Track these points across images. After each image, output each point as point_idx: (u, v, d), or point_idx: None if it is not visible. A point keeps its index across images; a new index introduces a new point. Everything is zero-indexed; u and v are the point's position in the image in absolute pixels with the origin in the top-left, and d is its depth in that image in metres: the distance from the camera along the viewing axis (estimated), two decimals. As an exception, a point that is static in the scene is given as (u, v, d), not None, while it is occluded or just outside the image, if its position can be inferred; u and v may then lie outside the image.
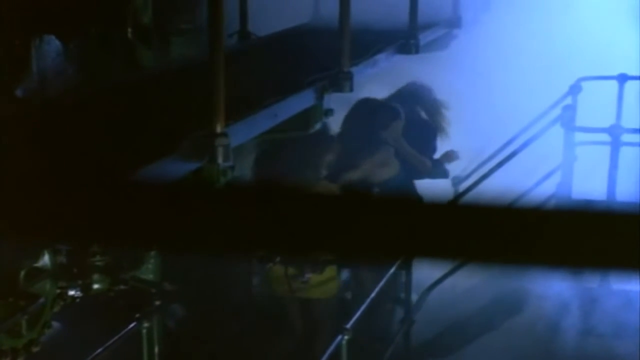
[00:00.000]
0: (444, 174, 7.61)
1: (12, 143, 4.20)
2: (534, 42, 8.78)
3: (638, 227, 1.15)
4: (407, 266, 6.60)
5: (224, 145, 4.18)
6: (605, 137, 7.79)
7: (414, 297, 7.07)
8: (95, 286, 4.39)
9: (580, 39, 9.08)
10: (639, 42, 9.96)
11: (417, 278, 7.02)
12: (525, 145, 7.52)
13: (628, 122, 8.03)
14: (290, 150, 6.63)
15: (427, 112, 7.86)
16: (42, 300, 3.95)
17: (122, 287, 4.57)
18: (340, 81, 5.75)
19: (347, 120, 7.31)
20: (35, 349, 3.96)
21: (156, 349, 5.55)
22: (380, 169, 7.27)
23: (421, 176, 7.46)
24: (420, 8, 7.19)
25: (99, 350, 5.00)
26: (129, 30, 6.56)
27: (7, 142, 4.21)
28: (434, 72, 8.18)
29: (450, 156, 7.62)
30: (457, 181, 8.12)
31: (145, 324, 5.34)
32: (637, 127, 8.23)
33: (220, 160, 4.20)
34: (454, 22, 8.40)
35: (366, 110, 7.31)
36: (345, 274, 7.25)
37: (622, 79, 8.15)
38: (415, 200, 1.19)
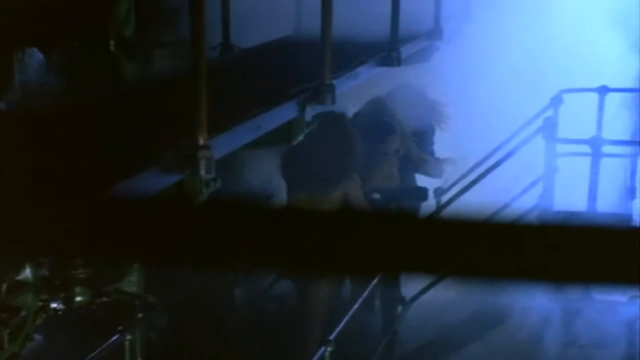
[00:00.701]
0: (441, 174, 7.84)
1: (-6, 156, 4.20)
2: (516, 54, 8.83)
3: (619, 241, 1.16)
4: (392, 278, 6.61)
5: (206, 157, 4.19)
6: (586, 148, 7.83)
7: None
8: (78, 299, 4.39)
9: (562, 50, 9.15)
10: (620, 53, 10.04)
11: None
12: (507, 156, 7.56)
13: (609, 133, 8.08)
14: (318, 149, 6.79)
15: (423, 111, 8.02)
16: (23, 313, 3.94)
17: (104, 299, 4.57)
18: (322, 93, 5.77)
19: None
20: (17, 362, 3.96)
21: (139, 362, 5.55)
22: (382, 181, 7.39)
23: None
24: (401, 20, 7.22)
25: (81, 363, 4.99)
26: (112, 42, 6.57)
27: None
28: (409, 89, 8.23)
29: (448, 162, 7.86)
30: (439, 192, 8.14)
31: (128, 336, 5.34)
32: (618, 138, 8.29)
33: (203, 172, 4.21)
34: (435, 34, 8.43)
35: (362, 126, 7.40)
36: None
37: (603, 91, 8.20)
38: (395, 215, 1.20)
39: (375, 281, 6.47)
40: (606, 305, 7.26)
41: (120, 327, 5.32)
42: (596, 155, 7.75)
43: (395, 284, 6.86)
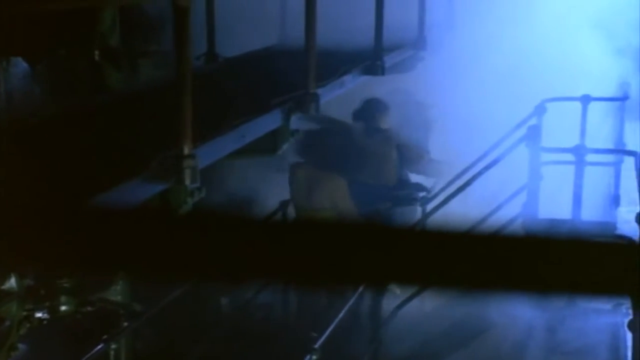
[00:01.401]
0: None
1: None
2: (499, 63, 8.86)
3: (602, 252, 1.17)
4: (377, 288, 6.62)
5: (191, 166, 4.20)
6: (570, 156, 7.86)
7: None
8: (62, 308, 4.39)
9: (545, 58, 9.19)
10: (603, 61, 10.09)
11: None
12: (491, 165, 7.58)
13: (592, 142, 8.11)
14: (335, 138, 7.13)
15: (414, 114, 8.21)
16: (8, 322, 3.93)
17: (89, 308, 4.56)
18: (307, 102, 5.79)
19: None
20: (2, 372, 3.95)
21: (124, 371, 5.54)
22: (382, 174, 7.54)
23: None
24: (386, 30, 7.26)
25: (66, 373, 4.99)
26: (97, 52, 6.58)
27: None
28: (400, 93, 8.28)
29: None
30: (424, 201, 8.16)
31: (113, 346, 5.33)
32: (601, 147, 8.33)
33: (187, 181, 4.22)
34: (419, 44, 8.47)
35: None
36: None
37: (586, 100, 8.24)
38: (378, 226, 1.20)
39: (360, 290, 6.48)
40: (590, 312, 7.29)
41: (105, 337, 5.32)
42: (580, 164, 7.78)
43: (381, 294, 6.88)
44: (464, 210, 7.73)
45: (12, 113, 5.82)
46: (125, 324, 5.51)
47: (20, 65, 6.15)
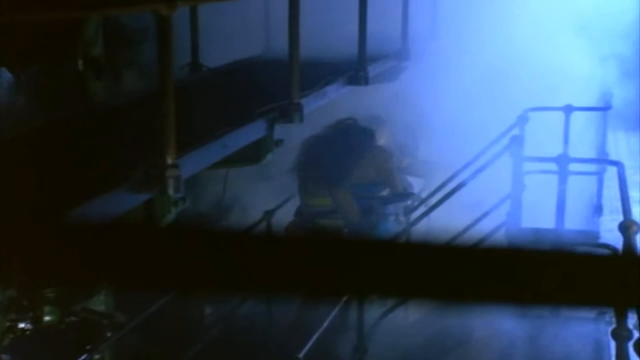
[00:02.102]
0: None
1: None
2: (482, 72, 8.90)
3: (584, 263, 1.18)
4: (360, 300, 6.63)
5: (174, 176, 4.20)
6: (553, 166, 7.89)
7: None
8: (46, 318, 4.38)
9: (528, 67, 9.24)
10: (587, 70, 10.15)
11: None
12: (474, 174, 7.60)
13: (575, 151, 8.15)
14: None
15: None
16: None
17: (73, 318, 4.56)
18: (290, 112, 5.81)
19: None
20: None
21: (107, 381, 5.53)
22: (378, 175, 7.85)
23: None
24: (369, 40, 7.29)
25: (49, 383, 4.98)
26: (80, 62, 6.57)
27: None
28: (383, 102, 8.31)
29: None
30: (407, 210, 8.17)
31: (97, 356, 5.32)
32: (584, 156, 8.36)
33: (171, 191, 4.22)
34: (402, 54, 8.50)
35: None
36: None
37: (568, 109, 8.28)
38: (360, 239, 1.21)
39: (344, 300, 6.48)
40: (573, 321, 7.30)
41: (89, 347, 5.31)
42: (563, 173, 7.80)
43: (364, 304, 6.88)
44: (448, 219, 7.75)
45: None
46: (109, 334, 5.51)
47: (3, 75, 6.14)
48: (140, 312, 6.37)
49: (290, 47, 5.82)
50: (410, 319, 7.66)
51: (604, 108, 9.18)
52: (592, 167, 8.83)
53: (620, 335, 4.73)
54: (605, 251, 6.47)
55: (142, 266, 1.22)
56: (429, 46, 9.04)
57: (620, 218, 5.65)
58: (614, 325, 4.89)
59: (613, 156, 9.47)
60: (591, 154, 9.32)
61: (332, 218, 7.65)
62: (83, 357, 5.26)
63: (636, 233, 5.09)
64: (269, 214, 7.82)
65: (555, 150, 8.03)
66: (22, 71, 6.43)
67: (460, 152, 8.21)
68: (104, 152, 4.92)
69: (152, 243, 1.23)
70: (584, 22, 10.34)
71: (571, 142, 8.34)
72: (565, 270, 1.17)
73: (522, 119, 7.88)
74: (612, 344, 5.00)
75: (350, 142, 7.37)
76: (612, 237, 7.01)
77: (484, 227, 7.22)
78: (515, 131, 7.82)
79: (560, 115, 8.32)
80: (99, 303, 5.54)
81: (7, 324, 4.14)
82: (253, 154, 5.74)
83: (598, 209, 9.01)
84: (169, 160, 4.19)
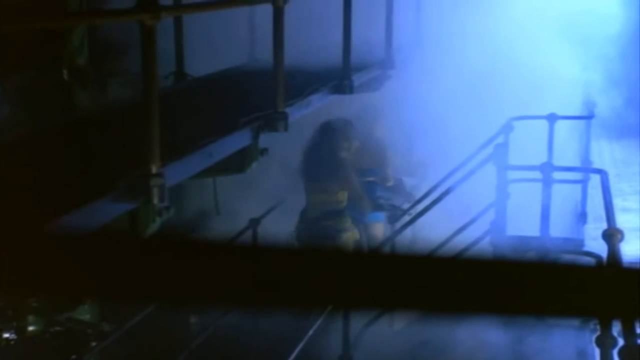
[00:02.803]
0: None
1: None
2: (466, 81, 8.93)
3: (568, 273, 1.19)
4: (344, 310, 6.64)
5: (159, 185, 4.20)
6: (537, 174, 7.91)
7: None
8: (31, 328, 4.38)
9: (513, 75, 9.28)
10: (571, 77, 10.20)
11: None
12: (459, 182, 7.62)
13: (559, 159, 8.18)
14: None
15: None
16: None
17: (57, 328, 4.55)
18: (275, 121, 5.82)
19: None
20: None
21: (92, 391, 5.52)
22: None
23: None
24: (354, 50, 7.31)
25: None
26: (65, 71, 6.57)
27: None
28: (369, 111, 8.35)
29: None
30: (393, 218, 8.20)
31: (82, 365, 5.32)
32: (568, 164, 8.40)
33: (155, 200, 4.22)
34: (387, 63, 8.52)
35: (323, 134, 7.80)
36: None
37: (552, 118, 8.31)
38: (344, 251, 1.22)
39: (328, 311, 6.48)
40: (558, 328, 7.32)
41: (74, 357, 5.31)
42: (547, 182, 7.83)
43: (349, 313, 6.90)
44: (433, 228, 7.76)
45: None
46: (94, 343, 5.50)
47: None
48: (125, 320, 6.36)
49: (274, 56, 5.83)
50: (396, 328, 7.67)
51: (587, 117, 9.23)
52: (576, 176, 8.86)
53: (605, 342, 4.74)
54: (590, 259, 6.50)
55: (126, 277, 1.21)
56: (414, 55, 9.06)
57: (605, 226, 5.67)
58: (598, 333, 4.90)
59: (597, 164, 9.51)
60: (575, 162, 9.36)
61: (338, 218, 7.99)
62: (68, 366, 5.26)
63: (620, 241, 5.11)
64: (254, 221, 7.83)
65: (540, 158, 8.06)
66: (7, 80, 6.42)
67: (442, 165, 8.25)
68: (88, 162, 4.92)
69: (136, 254, 1.23)
70: (569, 29, 10.39)
71: (555, 150, 8.38)
72: (549, 281, 1.17)
73: (506, 128, 7.91)
74: (597, 352, 5.01)
75: (336, 136, 7.71)
76: (596, 244, 7.04)
77: (469, 235, 7.24)
78: (500, 139, 7.84)
79: (544, 124, 8.36)
80: (84, 313, 5.53)
81: (-9, 333, 4.13)
82: (238, 162, 5.74)
83: (582, 217, 9.05)
84: (154, 169, 4.19)
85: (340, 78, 7.26)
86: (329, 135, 7.67)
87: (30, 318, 4.38)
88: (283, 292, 1.17)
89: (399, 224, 8.16)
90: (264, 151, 5.89)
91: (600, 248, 5.62)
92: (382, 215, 8.54)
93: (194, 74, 7.77)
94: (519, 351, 7.33)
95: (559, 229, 8.33)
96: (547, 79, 9.67)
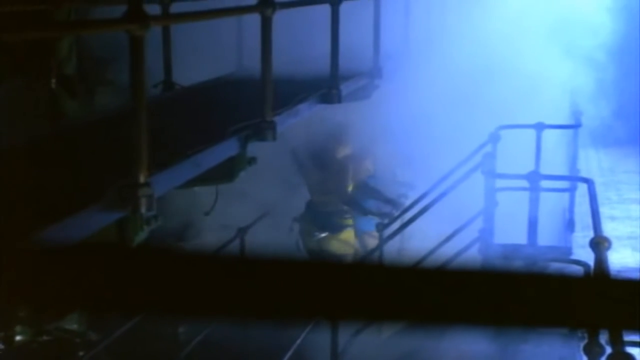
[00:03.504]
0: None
1: None
2: (454, 89, 8.96)
3: (555, 284, 1.19)
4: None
5: (147, 195, 4.20)
6: (525, 183, 7.93)
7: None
8: (18, 337, 4.36)
9: (501, 85, 9.31)
10: (560, 85, 10.24)
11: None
12: (447, 191, 7.64)
13: (547, 168, 8.20)
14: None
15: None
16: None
17: (45, 337, 4.54)
18: (264, 130, 5.82)
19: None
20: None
21: (80, 400, 5.51)
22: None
23: None
24: (342, 59, 7.32)
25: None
26: (53, 80, 6.57)
27: None
28: (357, 120, 8.37)
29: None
30: (381, 227, 8.20)
31: (70, 375, 5.31)
32: (555, 173, 8.42)
33: (143, 210, 4.21)
34: (375, 73, 8.54)
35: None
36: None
37: (540, 127, 8.34)
38: (330, 261, 1.22)
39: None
40: (545, 337, 7.33)
41: (61, 366, 5.29)
42: (534, 190, 7.85)
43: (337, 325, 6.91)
44: (421, 236, 7.78)
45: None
46: (81, 353, 5.49)
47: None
48: (113, 329, 6.35)
49: (262, 65, 5.84)
50: (384, 337, 7.67)
51: (574, 126, 9.26)
52: (564, 184, 8.89)
53: (592, 351, 4.75)
54: (578, 267, 6.52)
55: (112, 289, 1.21)
56: (401, 64, 9.08)
57: (592, 234, 5.69)
58: (585, 341, 4.91)
59: (584, 173, 9.54)
60: (563, 170, 9.39)
61: (342, 214, 8.79)
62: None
63: (607, 249, 5.13)
64: (242, 231, 7.83)
65: (528, 166, 8.08)
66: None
67: (430, 174, 8.28)
68: (76, 171, 4.91)
69: (122, 265, 1.23)
70: (558, 38, 10.43)
71: (543, 159, 8.40)
72: (537, 291, 1.17)
73: (494, 136, 7.94)
74: (584, 360, 5.02)
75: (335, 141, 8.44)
76: (584, 252, 7.06)
77: (458, 243, 7.25)
78: (488, 148, 7.86)
79: (532, 133, 8.39)
80: (72, 322, 5.52)
81: (-21, 343, 4.12)
82: (226, 172, 5.74)
83: (570, 225, 9.07)
84: (142, 179, 4.19)
85: (328, 87, 7.27)
86: (329, 141, 7.93)
87: (18, 328, 4.36)
88: (270, 303, 1.17)
89: (387, 232, 8.17)
90: (253, 160, 5.89)
91: (588, 256, 5.63)
92: (372, 224, 8.63)
93: (183, 83, 7.78)
94: (506, 356, 7.33)
95: (546, 237, 8.35)
96: (535, 86, 9.70)
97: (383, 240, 7.87)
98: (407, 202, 8.51)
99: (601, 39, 11.23)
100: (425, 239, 7.60)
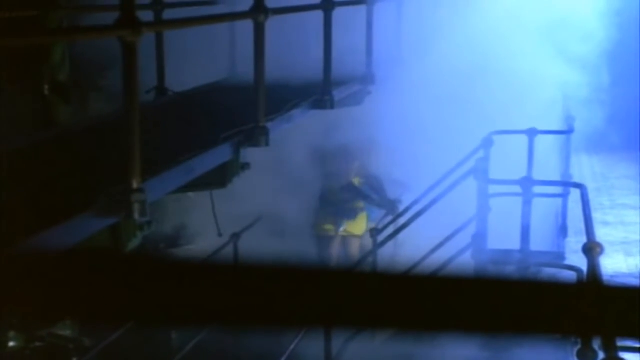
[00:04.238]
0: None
1: None
2: (447, 97, 8.97)
3: (547, 291, 1.19)
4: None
5: (140, 200, 4.20)
6: (518, 188, 7.94)
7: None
8: (11, 344, 4.35)
9: (494, 90, 9.32)
10: (553, 93, 10.25)
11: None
12: (440, 197, 7.64)
13: (539, 174, 8.21)
14: None
15: None
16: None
17: (38, 344, 4.53)
18: (256, 136, 5.83)
19: None
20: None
21: (73, 407, 5.50)
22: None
23: None
24: (335, 65, 7.33)
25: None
26: (46, 87, 6.57)
27: None
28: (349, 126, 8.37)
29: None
30: (375, 233, 8.21)
31: (63, 381, 5.30)
32: (548, 179, 8.43)
33: (136, 216, 4.21)
34: (368, 79, 8.55)
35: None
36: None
37: (532, 133, 8.35)
38: (321, 269, 1.21)
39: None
40: (538, 342, 7.32)
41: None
42: (527, 196, 7.86)
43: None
44: (414, 242, 7.78)
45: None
46: (75, 359, 5.48)
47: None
48: (106, 335, 6.35)
49: (255, 71, 5.85)
50: (377, 343, 7.67)
51: (567, 132, 9.27)
52: (556, 189, 8.90)
53: (586, 356, 4.76)
54: (571, 273, 6.52)
55: (104, 296, 1.21)
56: (394, 70, 9.09)
57: (585, 239, 5.69)
58: (579, 346, 4.92)
59: (577, 179, 9.56)
60: (555, 176, 9.40)
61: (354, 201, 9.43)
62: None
63: (599, 254, 5.14)
64: (236, 236, 7.82)
65: (520, 172, 8.09)
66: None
67: (423, 180, 8.28)
68: (69, 177, 4.91)
69: (115, 272, 1.22)
70: (551, 45, 10.44)
71: (536, 164, 8.41)
72: (530, 298, 1.17)
73: (487, 142, 7.94)
74: (578, 365, 5.02)
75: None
76: (577, 258, 7.07)
77: (451, 249, 7.25)
78: (480, 154, 7.87)
79: (525, 138, 8.39)
80: (65, 328, 5.51)
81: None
82: (219, 177, 5.75)
83: (563, 231, 9.08)
84: (135, 185, 4.19)
85: (321, 93, 7.28)
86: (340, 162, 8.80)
87: (11, 334, 4.36)
88: (263, 309, 1.17)
89: (381, 237, 8.17)
90: (246, 166, 5.89)
91: (581, 261, 5.64)
92: (375, 213, 9.54)
93: (175, 89, 7.78)
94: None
95: (539, 242, 8.35)
96: (529, 91, 9.72)
97: (377, 246, 7.87)
98: (402, 207, 8.51)
99: (595, 44, 11.24)
100: (418, 244, 7.60)
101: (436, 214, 7.65)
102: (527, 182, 7.73)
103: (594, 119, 11.23)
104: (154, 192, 4.48)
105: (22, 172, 4.93)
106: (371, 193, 9.51)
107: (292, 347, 6.28)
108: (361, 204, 9.54)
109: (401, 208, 8.67)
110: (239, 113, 6.29)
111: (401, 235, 7.91)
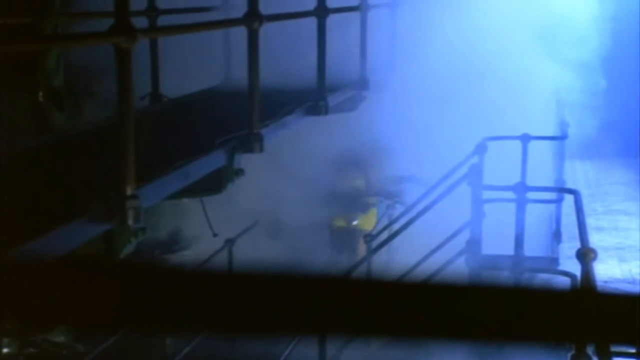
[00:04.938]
0: None
1: None
2: (441, 101, 8.98)
3: (541, 299, 1.19)
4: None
5: (134, 207, 4.19)
6: (511, 194, 7.94)
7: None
8: (5, 350, 4.35)
9: (488, 95, 9.34)
10: (544, 103, 10.27)
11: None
12: (434, 202, 7.64)
13: (533, 179, 8.22)
14: None
15: None
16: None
17: (32, 350, 4.53)
18: (251, 142, 5.83)
19: None
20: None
21: (68, 413, 5.49)
22: None
23: None
24: (329, 71, 7.33)
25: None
26: (40, 93, 6.56)
27: None
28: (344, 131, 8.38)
29: None
30: (369, 239, 8.21)
31: (57, 388, 5.29)
32: (541, 184, 8.44)
33: (131, 222, 4.21)
34: (362, 84, 8.56)
35: None
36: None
37: (525, 138, 8.36)
38: (315, 275, 1.21)
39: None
40: (532, 348, 7.33)
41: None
42: (521, 201, 7.86)
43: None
44: (408, 247, 7.78)
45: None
46: (69, 365, 5.47)
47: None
48: (100, 341, 6.34)
49: (250, 77, 5.85)
50: (372, 349, 7.67)
51: (560, 137, 9.29)
52: (550, 195, 8.90)
53: (580, 361, 4.76)
54: (565, 278, 6.53)
55: (98, 303, 1.21)
56: (389, 75, 9.11)
57: (579, 245, 5.70)
58: (573, 352, 4.92)
59: (570, 184, 9.56)
60: (549, 182, 9.41)
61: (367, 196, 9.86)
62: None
63: (593, 260, 5.14)
64: (230, 242, 7.83)
65: (514, 177, 8.10)
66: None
67: (417, 185, 8.29)
68: (63, 183, 4.91)
69: (108, 279, 1.22)
70: (546, 46, 10.47)
71: (529, 170, 8.42)
72: (523, 305, 1.18)
73: (481, 148, 7.95)
74: (572, 372, 5.02)
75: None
76: (571, 263, 7.07)
77: (445, 255, 7.25)
78: (474, 160, 7.87)
79: (518, 143, 8.40)
80: (59, 334, 5.50)
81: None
82: (214, 183, 5.75)
83: (557, 237, 9.08)
84: (129, 191, 4.18)
85: (315, 99, 7.29)
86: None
87: (4, 340, 4.35)
88: (257, 316, 1.17)
89: (375, 243, 8.18)
90: (240, 172, 5.89)
91: (574, 267, 5.65)
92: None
93: (170, 95, 7.78)
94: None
95: (533, 248, 8.36)
96: (523, 96, 9.73)
97: (371, 252, 7.88)
98: (397, 212, 8.52)
99: (589, 50, 11.27)
100: (412, 250, 7.61)
101: (430, 220, 7.65)
102: (521, 188, 7.73)
103: (587, 125, 11.26)
104: (148, 198, 4.48)
105: (16, 179, 4.92)
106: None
107: (286, 353, 6.27)
108: (374, 199, 9.93)
109: (401, 208, 8.68)
110: (234, 119, 6.29)
111: (395, 241, 7.91)
